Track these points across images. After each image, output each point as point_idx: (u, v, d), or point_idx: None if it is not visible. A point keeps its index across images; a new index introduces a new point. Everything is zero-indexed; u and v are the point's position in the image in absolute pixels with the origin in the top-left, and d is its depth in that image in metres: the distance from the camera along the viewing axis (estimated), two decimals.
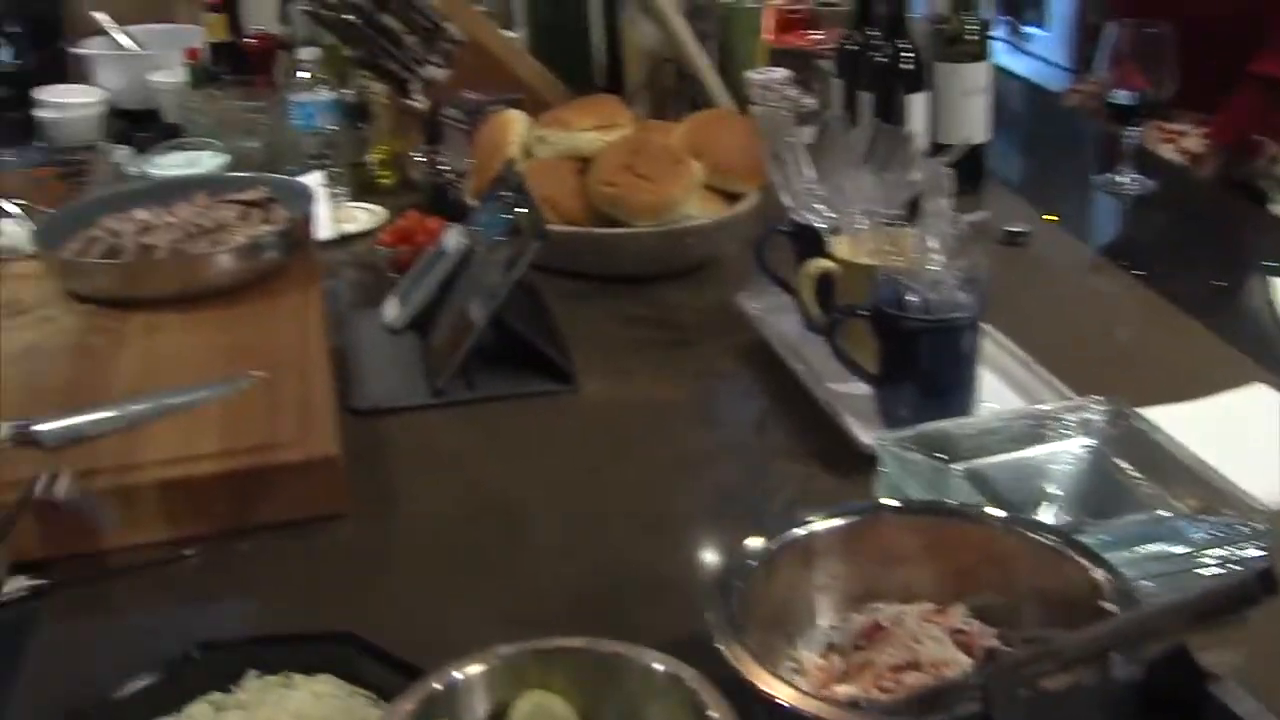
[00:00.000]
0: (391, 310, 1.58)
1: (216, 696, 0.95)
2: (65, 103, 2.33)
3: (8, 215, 1.73)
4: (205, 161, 2.00)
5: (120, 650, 1.08)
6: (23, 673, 1.07)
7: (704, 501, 1.28)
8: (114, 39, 2.59)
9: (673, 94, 2.19)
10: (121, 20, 2.62)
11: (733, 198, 1.76)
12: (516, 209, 1.48)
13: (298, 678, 0.96)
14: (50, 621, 1.12)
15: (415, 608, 1.12)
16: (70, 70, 2.56)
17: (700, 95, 2.12)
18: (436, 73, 1.96)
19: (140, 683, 0.96)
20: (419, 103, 1.96)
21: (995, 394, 1.34)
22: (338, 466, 1.23)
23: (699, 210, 1.72)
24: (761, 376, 1.47)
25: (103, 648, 1.09)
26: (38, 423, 1.24)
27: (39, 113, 2.32)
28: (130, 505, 1.19)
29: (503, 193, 1.54)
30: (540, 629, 1.10)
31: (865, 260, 1.35)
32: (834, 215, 1.42)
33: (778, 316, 1.52)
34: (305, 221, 1.65)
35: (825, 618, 0.96)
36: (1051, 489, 1.10)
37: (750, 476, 1.33)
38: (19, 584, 1.14)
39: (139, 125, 2.38)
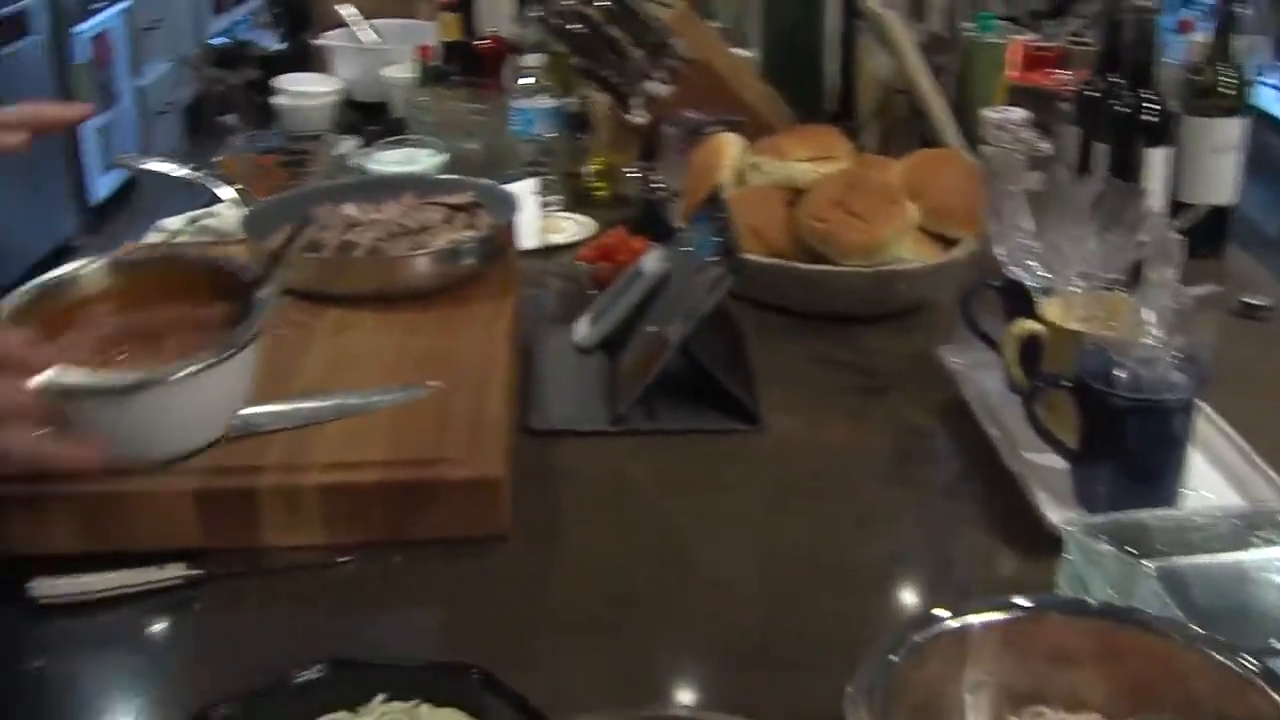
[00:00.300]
0: (582, 329, 1.55)
1: (342, 715, 0.93)
2: (301, 90, 2.38)
3: (224, 200, 1.75)
4: (424, 160, 2.00)
5: (262, 652, 1.08)
6: (168, 660, 1.07)
7: (878, 563, 1.22)
8: (354, 32, 2.63)
9: (903, 127, 2.11)
10: (366, 13, 2.66)
11: (949, 243, 1.68)
12: (725, 232, 1.44)
13: (424, 709, 0.93)
14: (200, 612, 1.12)
15: (563, 643, 1.09)
16: (313, 59, 2.62)
17: (931, 131, 2.04)
18: (659, 89, 1.93)
19: (267, 692, 0.95)
20: (639, 118, 1.94)
21: (1205, 484, 1.24)
22: (502, 489, 1.20)
23: (911, 253, 1.64)
24: (956, 435, 1.40)
25: (246, 646, 1.09)
26: None
27: (276, 99, 2.37)
28: (292, 506, 1.18)
29: (713, 216, 1.50)
30: (691, 677, 1.07)
31: (1075, 326, 1.27)
32: (1048, 274, 1.33)
33: (981, 374, 1.44)
34: (507, 230, 1.64)
35: (979, 717, 0.88)
36: (1255, 601, 1.00)
37: (930, 542, 1.26)
38: (176, 571, 1.14)
39: (369, 118, 2.42)
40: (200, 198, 1.92)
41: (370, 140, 2.19)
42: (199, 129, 5.42)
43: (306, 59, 2.66)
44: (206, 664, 1.07)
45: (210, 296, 1.18)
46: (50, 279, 1.17)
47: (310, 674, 0.97)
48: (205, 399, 1.09)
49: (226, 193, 1.73)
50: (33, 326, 1.09)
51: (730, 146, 1.79)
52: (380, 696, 0.94)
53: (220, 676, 1.03)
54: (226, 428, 1.12)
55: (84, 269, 1.19)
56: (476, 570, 1.18)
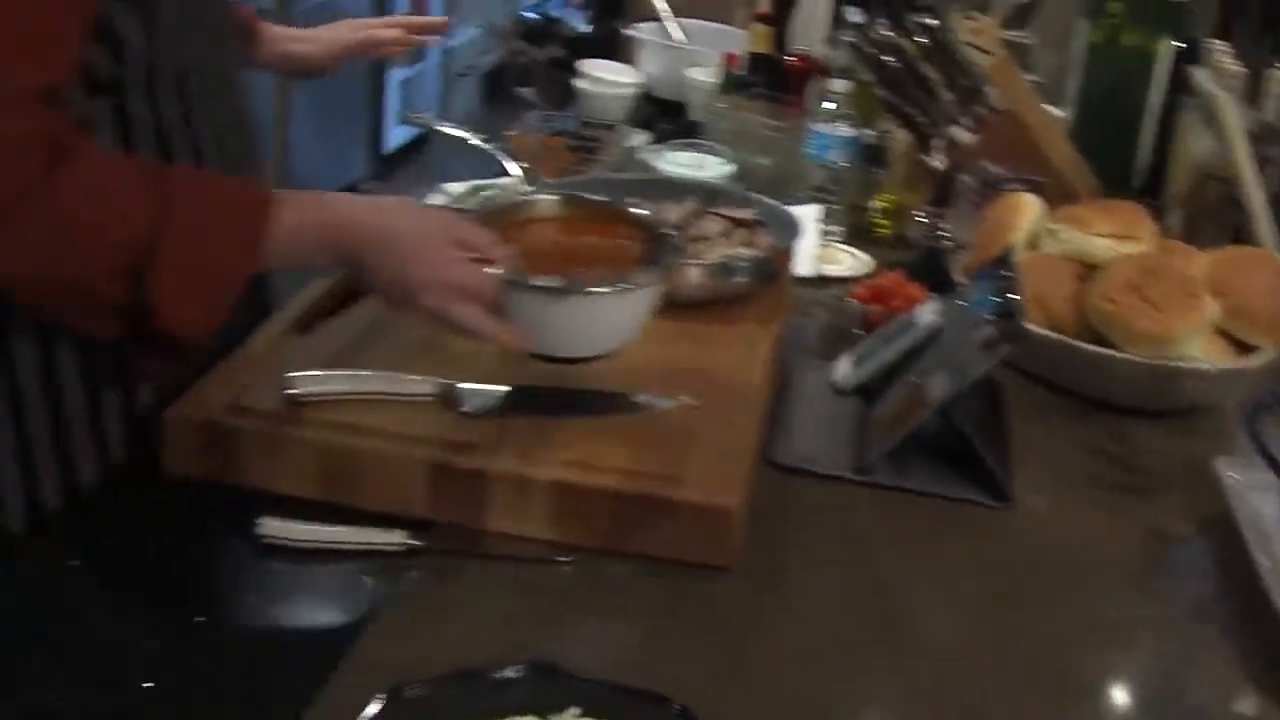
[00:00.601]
0: (843, 368, 1.50)
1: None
2: (604, 78, 2.38)
3: (510, 174, 1.76)
4: (711, 167, 1.97)
5: (464, 635, 1.07)
6: (372, 623, 1.07)
7: (1104, 678, 1.14)
8: (665, 27, 2.63)
9: (1214, 217, 2.00)
10: (679, 11, 2.66)
11: (1245, 348, 1.58)
12: (1008, 295, 1.37)
13: None
14: (413, 582, 1.12)
15: (763, 689, 1.05)
16: (620, 48, 2.63)
17: (1244, 226, 1.92)
18: (964, 135, 1.87)
19: (463, 680, 0.94)
20: (938, 161, 1.88)
21: None
22: (736, 521, 1.17)
23: (1202, 353, 1.54)
24: (1218, 555, 1.31)
25: (450, 626, 1.08)
26: (464, 383, 1.25)
27: (578, 83, 2.38)
28: (521, 495, 1.17)
29: (998, 276, 1.43)
30: None
31: None
32: None
33: (1258, 495, 1.33)
34: (785, 254, 1.60)
35: None
36: None
37: (1169, 667, 1.18)
38: (398, 537, 1.14)
39: (664, 115, 2.41)
40: (487, 164, 1.94)
41: (662, 138, 2.17)
42: (495, 97, 5.54)
43: (611, 46, 2.67)
44: (408, 635, 1.06)
45: (629, 239, 1.35)
46: (516, 198, 1.42)
47: (509, 672, 0.95)
48: (612, 316, 1.28)
49: (513, 168, 1.73)
50: (493, 229, 1.27)
51: (1029, 208, 1.71)
52: (573, 710, 0.92)
53: (419, 651, 1.03)
54: (618, 347, 1.31)
55: (543, 196, 1.42)
56: (693, 597, 1.14)
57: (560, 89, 2.60)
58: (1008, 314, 1.35)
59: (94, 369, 1.23)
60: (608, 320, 1.29)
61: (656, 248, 1.32)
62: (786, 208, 1.70)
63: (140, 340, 1.11)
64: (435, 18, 1.83)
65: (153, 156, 1.22)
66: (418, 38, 1.79)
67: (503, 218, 1.35)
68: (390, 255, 1.16)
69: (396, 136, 5.05)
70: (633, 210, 1.40)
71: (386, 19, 1.81)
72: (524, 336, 1.23)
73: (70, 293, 1.09)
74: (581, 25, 3.28)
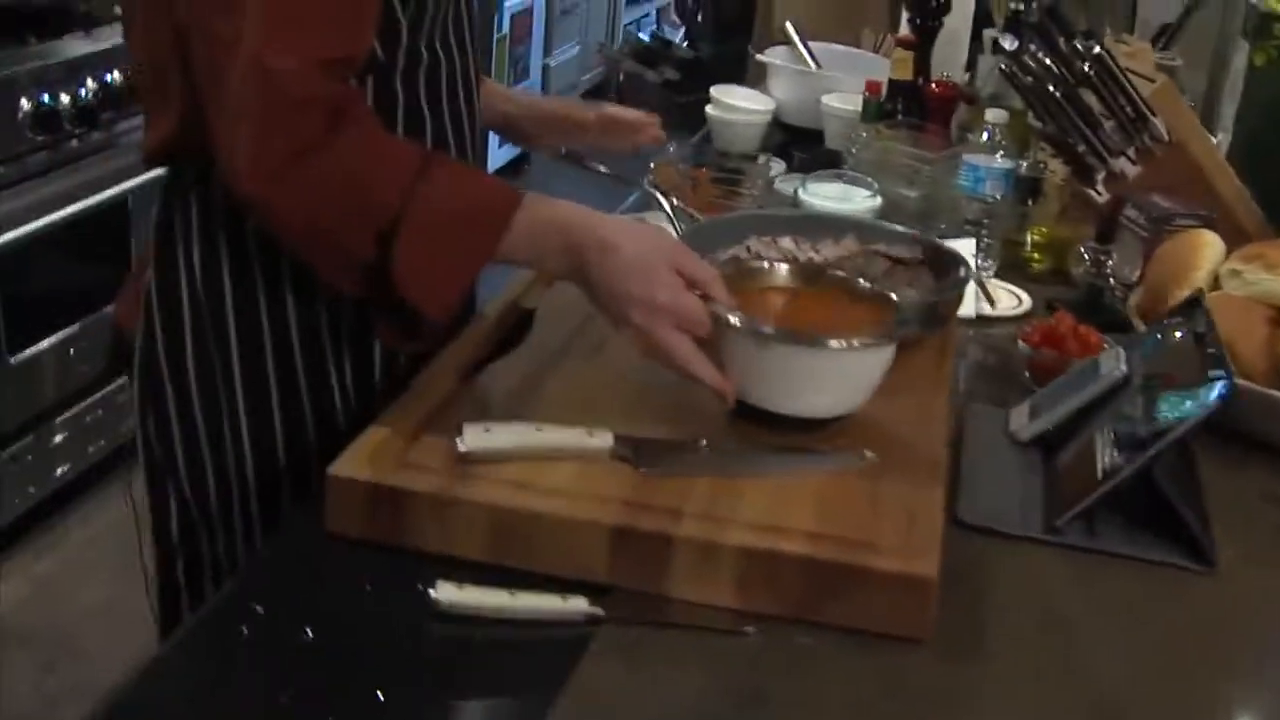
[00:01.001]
0: (1020, 418, 1.43)
1: None
2: (738, 105, 2.32)
3: (660, 209, 1.70)
4: (858, 200, 1.89)
5: (655, 711, 1.01)
6: (550, 702, 1.00)
7: None
8: (797, 52, 2.56)
9: None
10: (808, 34, 2.58)
11: None
12: (1207, 343, 1.29)
13: None
14: (594, 656, 1.05)
15: None
16: (748, 72, 2.57)
17: None
18: (1128, 167, 1.79)
19: None
20: (1099, 194, 1.79)
21: None
22: (933, 591, 1.09)
23: None
24: None
25: (639, 701, 1.02)
26: (641, 438, 1.21)
27: (712, 110, 2.32)
28: (707, 561, 1.10)
29: (1191, 324, 1.35)
30: None
31: None
32: None
33: None
34: (954, 301, 1.52)
35: None
36: None
37: None
38: (578, 605, 1.08)
39: (797, 142, 2.34)
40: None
41: (798, 167, 2.10)
42: None
43: (730, 69, 2.61)
44: (598, 713, 1.00)
45: (863, 315, 1.34)
46: (752, 264, 1.45)
47: None
48: (826, 374, 1.28)
49: (665, 203, 1.67)
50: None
51: (1210, 247, 1.62)
52: None
53: None
54: (826, 413, 1.30)
55: (778, 266, 1.42)
56: (884, 672, 1.07)
57: (675, 111, 2.55)
58: (1213, 371, 1.27)
59: (343, 328, 1.34)
60: (820, 378, 1.27)
61: (889, 325, 1.31)
62: (953, 247, 1.61)
63: (381, 305, 1.22)
64: (641, 116, 1.77)
65: (402, 135, 1.31)
66: (624, 134, 1.77)
67: (738, 280, 1.34)
68: (610, 264, 1.20)
69: (498, 157, 5.03)
70: (871, 289, 1.39)
71: (591, 105, 1.83)
72: (731, 384, 1.24)
73: (327, 245, 1.20)
74: (681, 42, 3.21)
